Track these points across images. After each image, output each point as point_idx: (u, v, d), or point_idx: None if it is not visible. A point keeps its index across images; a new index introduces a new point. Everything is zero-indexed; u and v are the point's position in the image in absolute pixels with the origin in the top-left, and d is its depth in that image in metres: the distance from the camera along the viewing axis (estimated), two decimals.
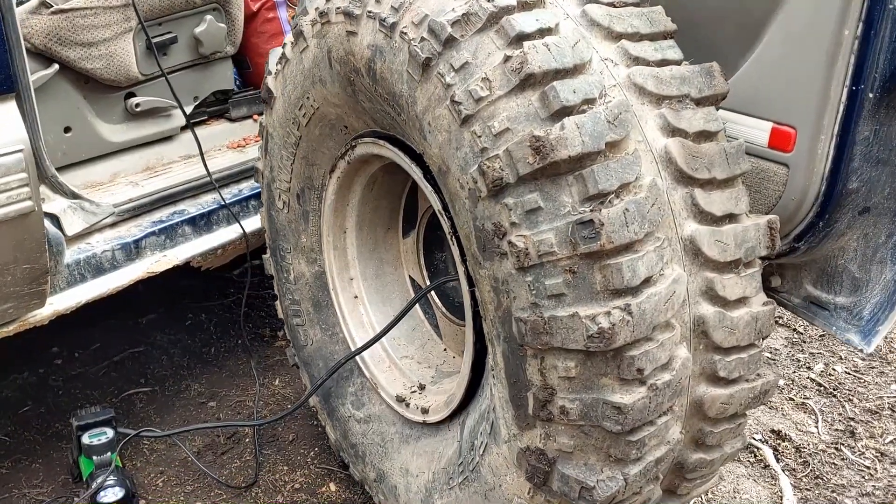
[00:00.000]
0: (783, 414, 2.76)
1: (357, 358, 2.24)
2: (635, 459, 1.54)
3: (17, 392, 2.85)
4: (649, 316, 1.45)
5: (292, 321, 2.41)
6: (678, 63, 1.64)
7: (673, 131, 1.56)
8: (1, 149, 1.84)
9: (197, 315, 3.32)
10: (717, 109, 1.71)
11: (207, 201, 2.58)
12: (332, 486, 2.45)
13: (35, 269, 2.00)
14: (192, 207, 2.54)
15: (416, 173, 1.82)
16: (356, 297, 2.31)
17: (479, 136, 1.50)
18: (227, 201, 2.56)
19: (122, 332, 3.19)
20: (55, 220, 2.19)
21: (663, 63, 1.62)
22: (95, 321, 3.23)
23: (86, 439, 2.30)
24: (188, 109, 2.74)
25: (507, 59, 1.49)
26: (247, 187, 2.68)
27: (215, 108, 2.88)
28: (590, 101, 1.48)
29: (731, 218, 1.59)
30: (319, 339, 2.34)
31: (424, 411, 2.01)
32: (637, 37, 1.64)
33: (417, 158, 1.83)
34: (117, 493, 2.23)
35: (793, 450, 2.59)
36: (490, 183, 1.48)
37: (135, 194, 2.45)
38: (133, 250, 2.36)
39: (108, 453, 2.29)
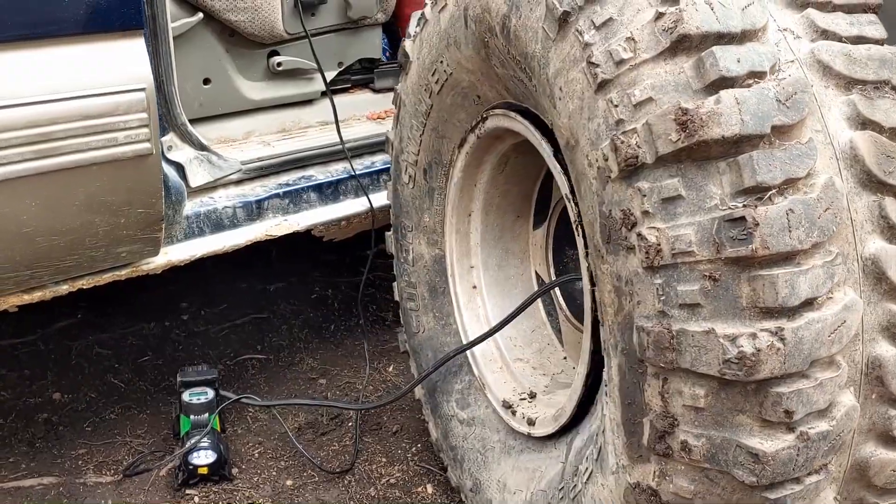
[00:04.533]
0: None
1: (468, 353, 2.04)
2: None
3: (140, 341, 2.88)
4: (808, 347, 1.16)
5: (406, 305, 2.24)
6: (879, 42, 1.32)
7: (863, 123, 1.25)
8: (122, 85, 1.78)
9: (324, 289, 3.25)
10: None
11: (337, 170, 2.46)
12: (430, 488, 2.26)
13: (150, 214, 1.95)
14: (320, 174, 2.44)
15: (545, 150, 1.59)
16: (475, 287, 2.11)
17: (616, 106, 1.26)
18: (357, 172, 2.44)
19: (249, 297, 3.17)
20: (180, 169, 2.14)
21: (859, 40, 1.31)
22: (227, 282, 3.23)
23: (186, 397, 2.25)
24: (331, 75, 2.65)
25: (658, 16, 1.24)
26: (380, 160, 2.54)
27: (360, 76, 2.77)
28: (757, 75, 1.21)
29: None
30: (432, 327, 2.17)
31: (531, 423, 1.79)
32: (829, 6, 1.34)
33: (549, 135, 1.60)
34: (209, 456, 2.17)
35: None
36: (623, 161, 1.23)
37: (264, 153, 2.38)
38: (255, 210, 2.28)
39: (206, 414, 2.23)
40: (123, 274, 2.08)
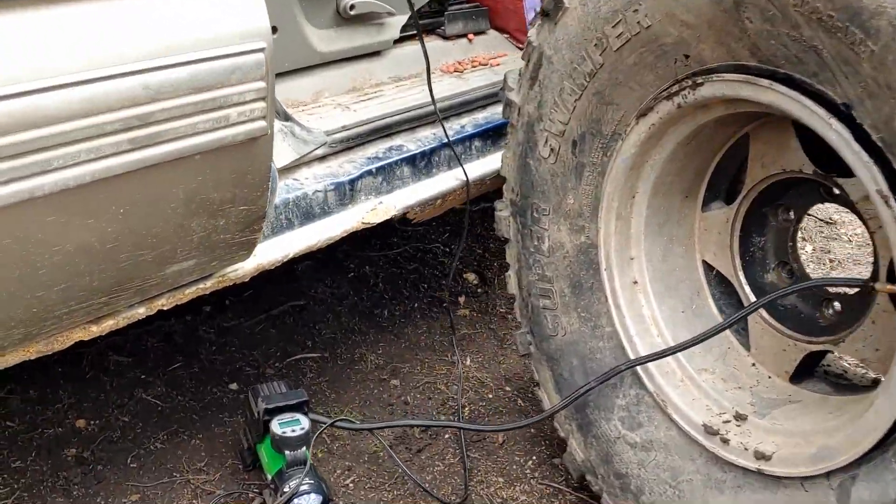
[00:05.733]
0: None
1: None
2: None
3: (163, 342, 2.40)
4: None
5: (537, 303, 1.88)
6: None
7: None
8: (238, 45, 1.31)
9: (360, 267, 2.82)
10: None
11: (427, 137, 2.04)
12: None
13: (252, 211, 1.50)
14: (410, 143, 2.01)
15: (841, 135, 1.24)
16: (635, 282, 1.76)
17: None
18: (451, 139, 2.03)
19: (275, 280, 2.71)
20: None
21: None
22: None
23: (276, 427, 1.81)
24: (403, 20, 2.19)
25: None
26: (469, 123, 2.14)
27: (428, 20, 2.32)
28: None
29: None
30: (576, 329, 1.81)
31: (762, 457, 1.48)
32: None
33: (835, 111, 1.25)
34: (313, 500, 1.76)
35: None
36: None
37: (347, 121, 1.93)
38: (347, 193, 1.84)
39: (303, 448, 1.81)
40: (209, 286, 1.62)
